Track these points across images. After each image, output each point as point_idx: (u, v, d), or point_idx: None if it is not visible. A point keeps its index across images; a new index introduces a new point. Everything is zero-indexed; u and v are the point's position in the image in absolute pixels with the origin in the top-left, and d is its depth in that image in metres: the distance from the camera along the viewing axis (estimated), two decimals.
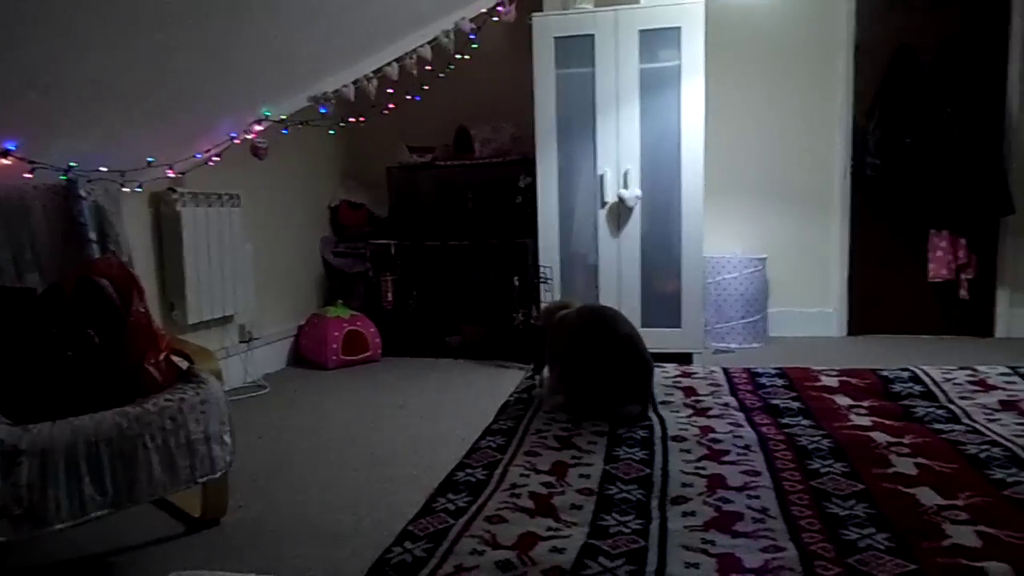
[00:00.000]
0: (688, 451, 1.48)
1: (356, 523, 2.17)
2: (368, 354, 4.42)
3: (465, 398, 3.52)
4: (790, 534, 1.14)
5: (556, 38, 4.04)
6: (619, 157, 4.06)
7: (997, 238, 4.58)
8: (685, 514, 1.22)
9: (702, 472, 1.37)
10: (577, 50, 4.04)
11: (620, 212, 4.11)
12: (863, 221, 4.70)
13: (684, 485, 1.32)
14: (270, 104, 3.26)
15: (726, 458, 1.44)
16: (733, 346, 4.57)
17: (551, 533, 1.13)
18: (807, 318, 4.83)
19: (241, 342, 3.96)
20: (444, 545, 1.07)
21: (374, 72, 3.50)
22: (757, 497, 1.26)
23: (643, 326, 4.12)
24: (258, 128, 3.25)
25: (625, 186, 4.06)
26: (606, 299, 4.15)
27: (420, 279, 4.70)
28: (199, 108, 2.92)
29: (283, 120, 3.34)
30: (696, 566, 1.03)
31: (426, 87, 3.82)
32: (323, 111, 3.43)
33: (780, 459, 1.43)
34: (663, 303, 4.17)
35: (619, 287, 4.15)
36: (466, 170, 4.63)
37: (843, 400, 1.80)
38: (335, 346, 4.27)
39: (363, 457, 2.79)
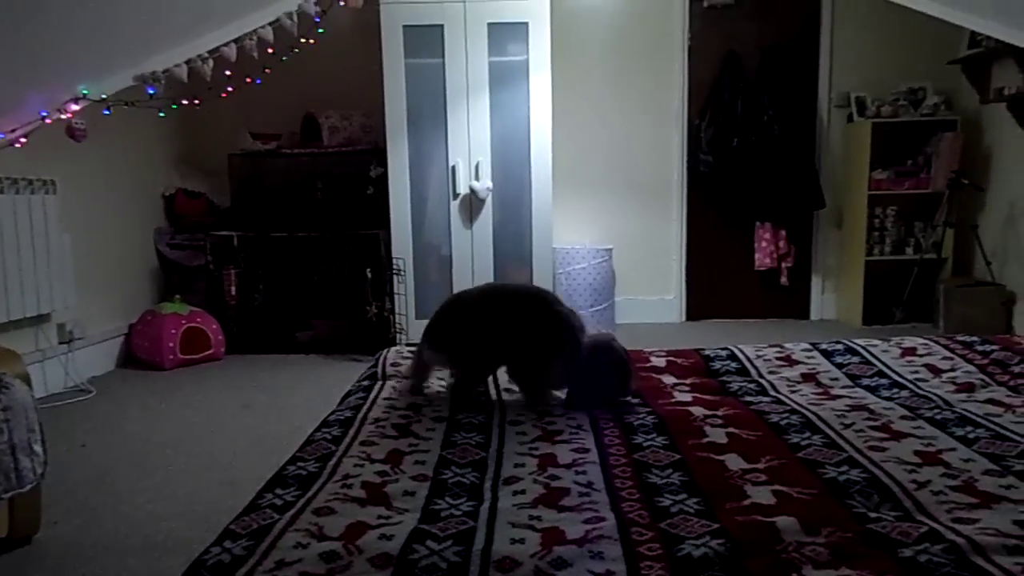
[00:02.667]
0: (524, 433, 1.53)
1: (188, 530, 2.05)
2: (210, 352, 4.17)
3: (315, 395, 3.41)
4: (611, 504, 1.20)
5: (405, 27, 4.00)
6: (471, 149, 4.09)
7: (811, 230, 5.08)
8: (516, 493, 1.25)
9: (535, 452, 1.42)
10: (427, 40, 4.02)
11: (472, 204, 4.15)
12: (698, 214, 5.05)
13: (517, 466, 1.35)
14: (89, 82, 2.98)
15: (559, 438, 1.49)
16: None
17: (381, 521, 1.12)
18: (650, 306, 5.12)
19: (61, 343, 3.61)
20: (266, 541, 1.04)
21: (209, 52, 3.29)
22: (584, 472, 1.31)
23: None
24: (74, 108, 2.96)
25: (477, 178, 4.11)
26: (460, 290, 4.17)
27: (267, 272, 4.50)
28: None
29: (104, 99, 3.07)
30: (521, 541, 1.07)
31: (268, 71, 3.65)
32: (151, 92, 3.18)
33: (608, 436, 1.51)
34: None
35: (472, 278, 4.19)
36: (314, 159, 4.48)
37: (669, 379, 1.92)
38: (172, 344, 3.99)
39: (201, 461, 2.64)
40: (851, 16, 4.77)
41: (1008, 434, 1.49)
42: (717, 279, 5.13)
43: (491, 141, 4.09)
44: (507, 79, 4.06)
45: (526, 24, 3.96)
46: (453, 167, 4.09)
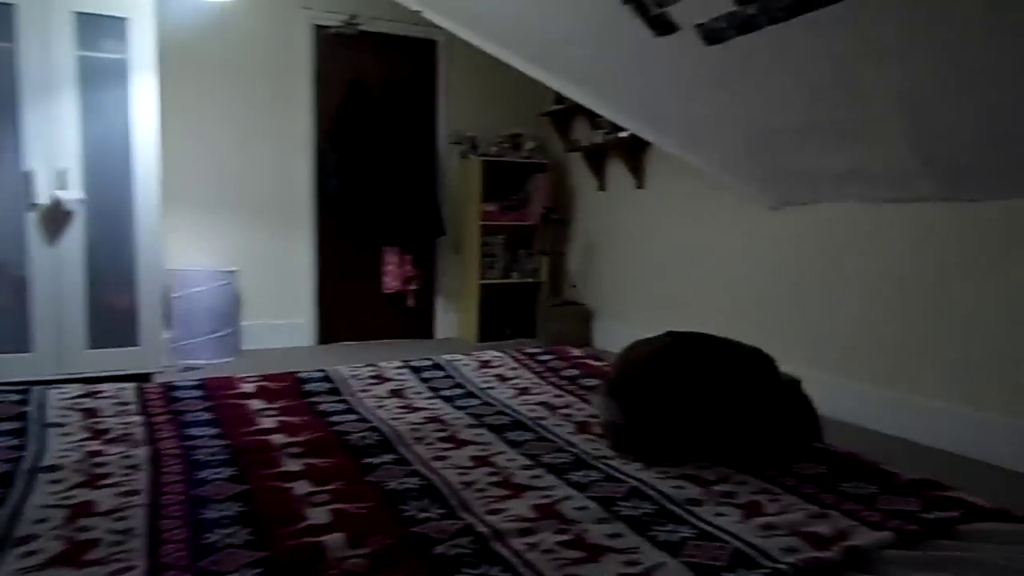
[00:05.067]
0: (60, 480, 1.32)
1: None
2: None
3: None
4: (148, 550, 1.09)
5: None
6: (54, 153, 3.51)
7: (435, 255, 5.45)
8: (28, 554, 1.06)
9: (68, 502, 1.23)
10: None
11: (57, 217, 3.56)
12: (328, 237, 5.06)
13: (38, 521, 1.16)
14: None
15: (105, 482, 1.32)
16: (202, 362, 4.40)
17: None
18: (280, 330, 4.96)
19: None
20: None
21: None
22: (125, 519, 1.18)
23: (91, 347, 3.66)
24: None
25: (63, 187, 3.54)
26: (42, 316, 3.54)
27: None
28: None
29: None
30: None
31: None
32: None
33: (168, 474, 1.38)
34: (116, 320, 3.76)
35: (59, 303, 3.58)
36: None
37: (257, 404, 1.85)
38: None
39: None
40: (463, 63, 5.27)
41: (549, 436, 1.74)
42: (348, 302, 5.19)
43: (83, 146, 3.55)
44: (103, 78, 3.59)
45: (124, 20, 3.55)
46: (29, 173, 3.46)
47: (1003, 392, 2.83)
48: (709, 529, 1.23)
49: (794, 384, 1.75)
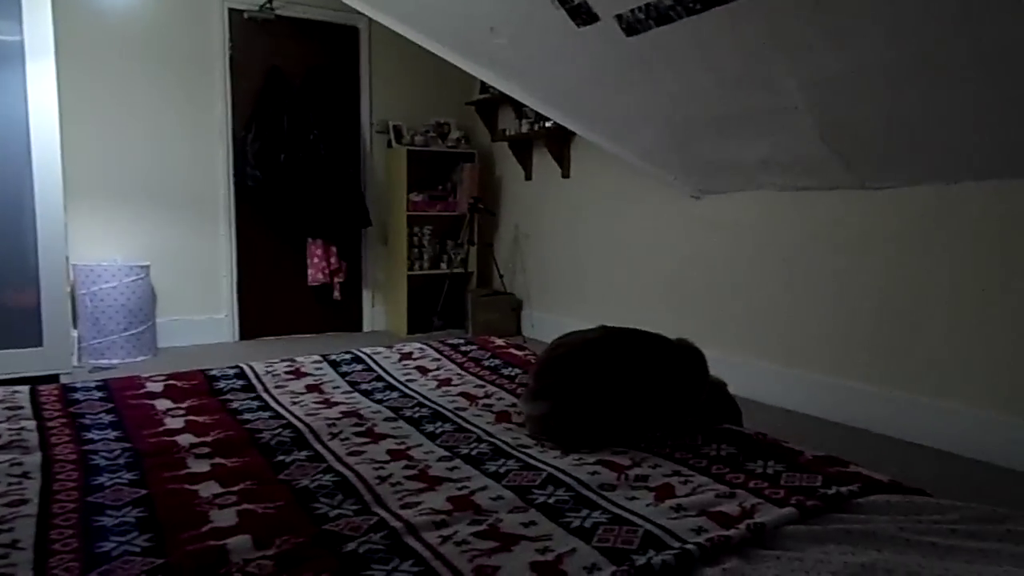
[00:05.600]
0: None
1: None
2: None
3: None
4: (35, 563, 1.02)
5: None
6: None
7: (360, 246, 5.35)
8: None
9: None
10: None
11: None
12: (249, 229, 4.90)
13: None
14: None
15: None
16: (115, 361, 4.20)
17: None
18: (199, 326, 4.79)
19: None
20: None
21: None
22: (11, 530, 1.10)
23: None
24: None
25: None
26: None
27: None
28: None
29: None
30: None
31: None
32: None
33: (62, 481, 1.30)
34: (17, 319, 3.54)
35: None
36: None
37: (164, 404, 1.77)
38: None
39: None
40: (386, 50, 5.18)
41: (468, 426, 1.73)
42: (271, 295, 5.04)
43: None
44: None
45: None
46: None
47: (918, 368, 2.98)
48: (622, 513, 1.25)
49: (720, 386, 1.79)
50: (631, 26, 2.73)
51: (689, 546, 1.10)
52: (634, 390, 1.63)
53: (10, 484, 1.28)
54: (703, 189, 3.85)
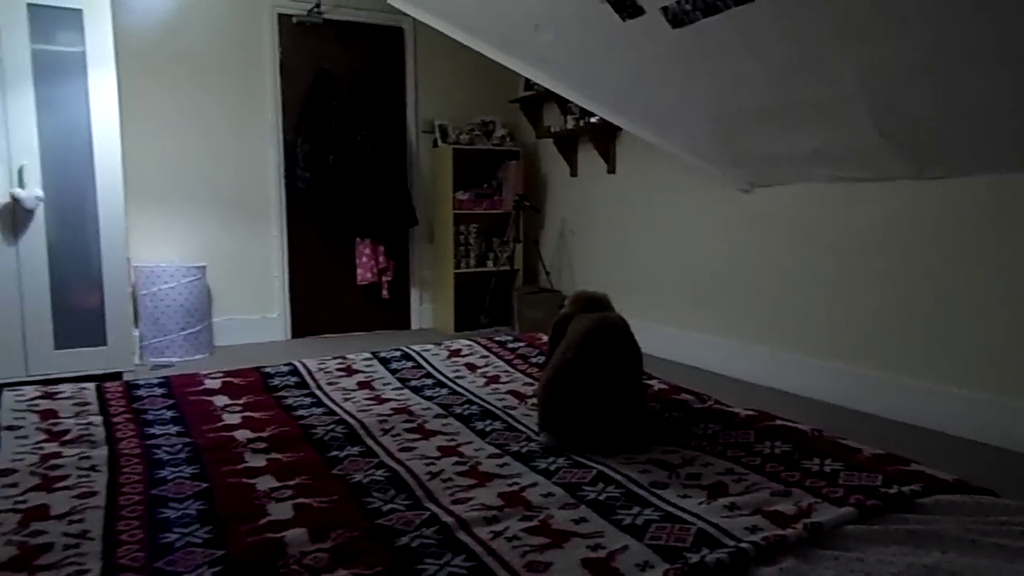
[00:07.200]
0: (14, 484, 1.29)
1: None
2: None
3: None
4: (103, 553, 1.07)
5: None
6: (11, 150, 3.43)
7: (408, 245, 5.41)
8: None
9: (20, 507, 1.20)
10: None
11: (17, 215, 3.48)
12: (299, 230, 5.00)
13: None
14: None
15: (61, 484, 1.29)
16: (174, 360, 4.34)
17: None
18: (253, 325, 4.91)
19: None
20: None
21: None
22: (81, 521, 1.15)
23: (58, 347, 3.60)
24: None
25: (21, 185, 3.45)
26: (5, 318, 3.47)
27: None
28: None
29: None
30: None
31: None
32: None
33: (127, 475, 1.35)
34: (83, 320, 3.69)
35: (21, 305, 3.50)
36: None
37: (221, 401, 1.82)
38: None
39: None
40: (431, 50, 5.22)
41: (517, 426, 1.73)
42: (321, 295, 5.14)
43: (40, 143, 3.47)
44: (59, 72, 3.50)
45: (80, 11, 3.46)
46: None
47: (977, 364, 2.87)
48: (673, 511, 1.23)
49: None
50: (677, 17, 2.69)
51: (744, 545, 1.09)
52: (620, 391, 1.63)
53: (80, 477, 1.34)
54: (752, 182, 3.77)
